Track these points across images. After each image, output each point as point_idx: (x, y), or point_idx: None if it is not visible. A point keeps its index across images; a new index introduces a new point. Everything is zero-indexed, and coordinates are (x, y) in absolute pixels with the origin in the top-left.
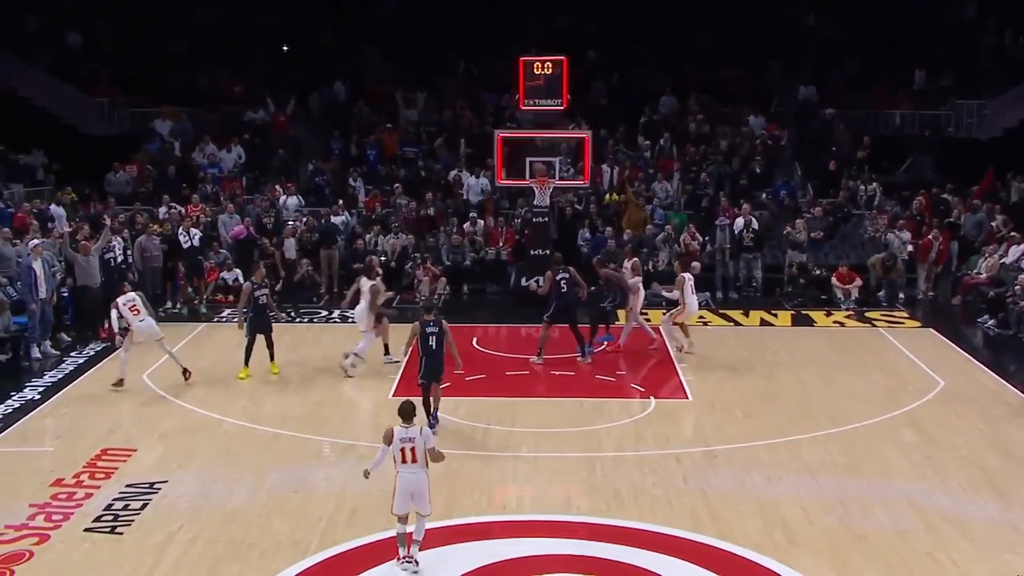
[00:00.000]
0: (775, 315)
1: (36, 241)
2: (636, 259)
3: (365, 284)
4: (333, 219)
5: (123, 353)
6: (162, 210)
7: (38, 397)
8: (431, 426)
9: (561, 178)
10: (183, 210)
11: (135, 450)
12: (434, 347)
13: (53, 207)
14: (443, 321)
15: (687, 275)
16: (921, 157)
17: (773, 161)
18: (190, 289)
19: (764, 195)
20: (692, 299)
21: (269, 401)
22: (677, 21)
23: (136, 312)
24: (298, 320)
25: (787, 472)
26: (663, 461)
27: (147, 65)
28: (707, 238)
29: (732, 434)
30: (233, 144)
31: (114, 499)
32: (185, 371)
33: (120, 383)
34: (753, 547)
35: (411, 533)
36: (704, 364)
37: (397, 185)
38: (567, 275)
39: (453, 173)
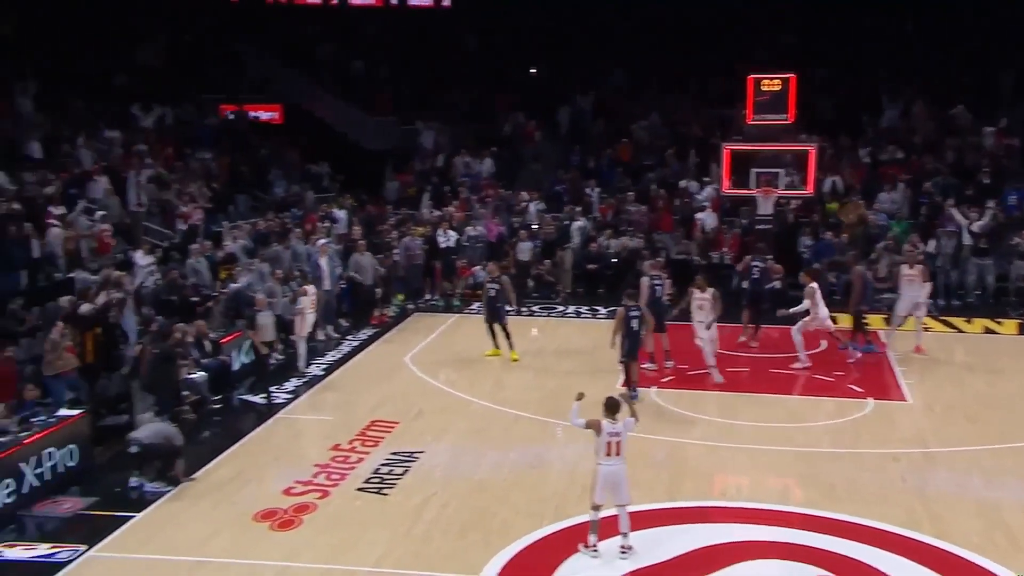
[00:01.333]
0: (1000, 323)
1: (323, 240)
2: (924, 266)
3: (699, 295)
4: (573, 224)
5: (303, 347)
6: (424, 213)
7: (322, 373)
8: (632, 398)
9: (785, 188)
10: (441, 213)
11: (398, 423)
12: (636, 328)
13: (336, 211)
14: (644, 308)
15: (815, 285)
16: None
17: (1002, 172)
18: (446, 284)
19: (993, 204)
20: (822, 308)
21: (511, 386)
22: (906, 36)
23: (313, 309)
24: (537, 314)
25: (1010, 477)
26: (880, 460)
27: (416, 87)
28: (931, 245)
29: (952, 437)
30: (486, 156)
31: (381, 464)
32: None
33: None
34: (972, 548)
35: (605, 519)
36: (924, 368)
37: (631, 193)
38: (761, 263)
39: (682, 182)
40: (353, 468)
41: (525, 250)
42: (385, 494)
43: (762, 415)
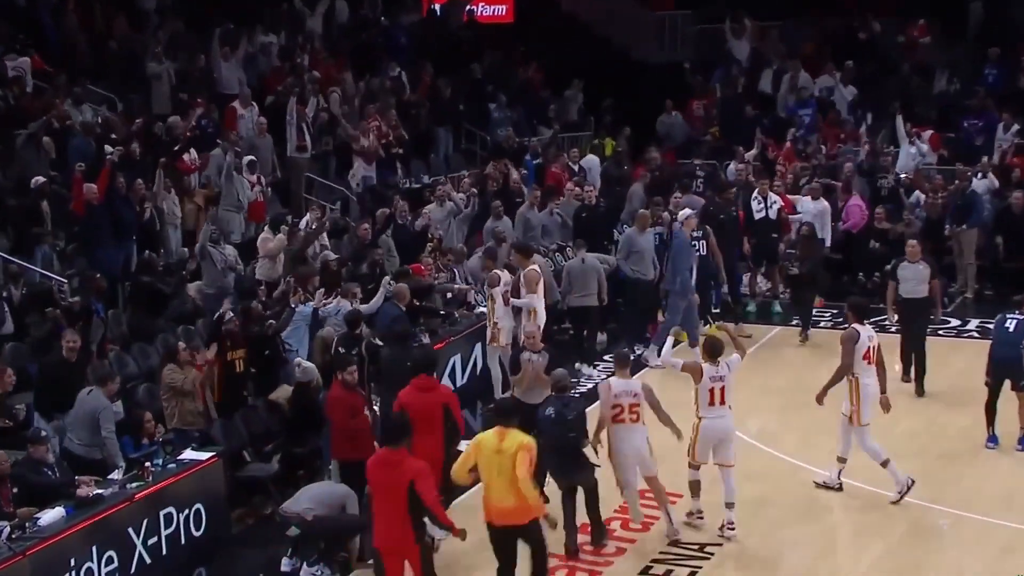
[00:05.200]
0: None
1: (687, 212)
2: None
3: None
4: (975, 182)
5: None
6: (730, 167)
7: None
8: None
9: None
10: (750, 171)
11: (679, 496)
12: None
13: (588, 158)
14: None
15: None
16: None
17: None
18: (759, 279)
19: None
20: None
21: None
22: None
23: (507, 302)
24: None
25: None
26: None
27: None
28: None
29: None
30: (838, 73)
31: (652, 560)
32: None
33: None
34: None
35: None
36: None
37: None
38: None
39: None
40: (609, 564)
41: (914, 280)
42: None
43: None
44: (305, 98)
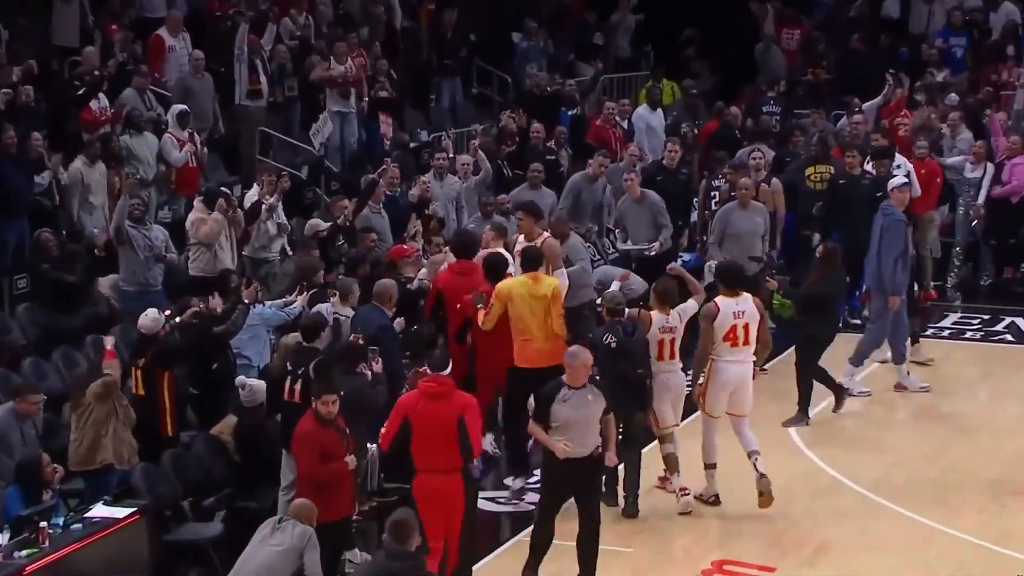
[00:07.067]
0: None
1: (901, 180)
2: None
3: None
4: None
5: None
6: (841, 121)
7: None
8: None
9: None
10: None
11: (773, 570)
12: None
13: (641, 111)
14: None
15: None
16: None
17: None
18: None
19: None
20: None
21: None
22: None
23: None
24: None
25: None
26: None
27: None
28: None
29: None
30: None
31: None
32: None
33: None
34: None
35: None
36: None
37: None
38: None
39: None
40: None
41: None
42: None
43: None
44: (260, 24)
